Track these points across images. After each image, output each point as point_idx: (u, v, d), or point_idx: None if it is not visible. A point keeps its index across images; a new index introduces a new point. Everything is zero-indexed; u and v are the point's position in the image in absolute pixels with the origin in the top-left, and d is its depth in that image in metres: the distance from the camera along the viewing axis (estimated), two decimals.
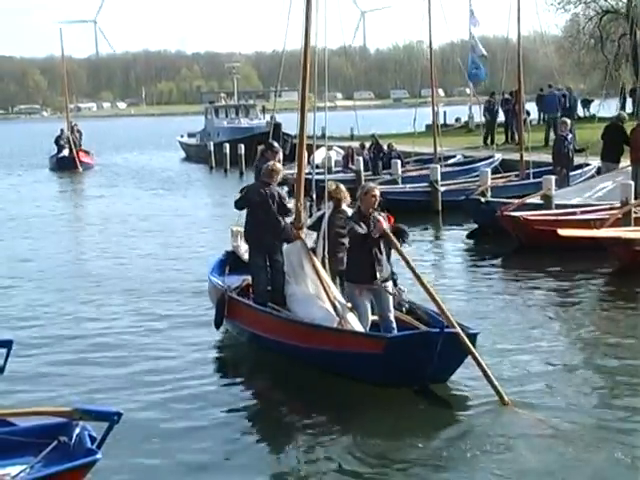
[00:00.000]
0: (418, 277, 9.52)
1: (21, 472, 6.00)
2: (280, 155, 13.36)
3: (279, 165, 11.60)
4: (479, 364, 8.93)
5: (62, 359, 10.81)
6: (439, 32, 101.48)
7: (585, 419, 8.42)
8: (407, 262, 9.62)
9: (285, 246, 11.10)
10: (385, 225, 9.67)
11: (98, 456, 5.97)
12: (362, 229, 9.65)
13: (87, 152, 45.09)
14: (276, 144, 13.54)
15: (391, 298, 9.96)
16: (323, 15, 11.26)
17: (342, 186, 11.29)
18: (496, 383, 8.85)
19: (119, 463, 7.48)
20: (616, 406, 8.74)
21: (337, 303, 10.11)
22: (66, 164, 42.41)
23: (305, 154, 12.16)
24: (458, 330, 8.95)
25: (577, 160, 22.20)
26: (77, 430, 6.20)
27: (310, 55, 11.20)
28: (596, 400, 8.95)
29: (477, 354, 8.99)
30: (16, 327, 12.16)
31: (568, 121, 22.29)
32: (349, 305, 10.18)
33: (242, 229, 12.54)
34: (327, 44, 11.69)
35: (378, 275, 9.77)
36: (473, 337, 9.15)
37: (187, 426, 8.57)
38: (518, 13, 22.38)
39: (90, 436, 6.15)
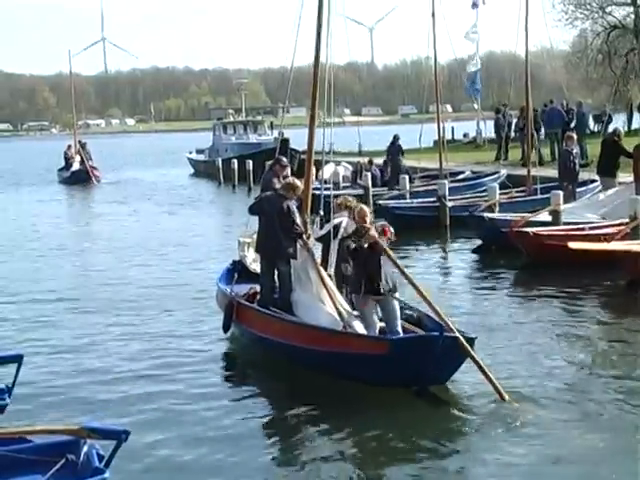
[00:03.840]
0: (413, 284, 9.93)
1: None
2: (288, 170, 13.49)
3: (298, 182, 11.78)
4: (478, 364, 9.38)
5: (70, 376, 10.80)
6: (446, 48, 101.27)
7: (586, 415, 8.86)
8: (400, 269, 10.05)
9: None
10: (374, 233, 9.88)
11: (106, 475, 5.95)
12: (352, 244, 10.02)
13: (94, 167, 46.14)
14: (284, 159, 13.65)
15: (397, 308, 10.19)
16: (330, 32, 11.46)
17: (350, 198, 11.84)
18: (495, 381, 9.27)
19: None
20: (616, 404, 9.08)
21: (342, 310, 10.43)
22: (78, 178, 44.07)
23: (313, 170, 12.30)
24: (457, 334, 9.35)
25: (585, 176, 22.15)
26: (85, 448, 6.18)
27: (320, 72, 11.40)
28: (601, 400, 9.20)
29: (475, 355, 9.41)
30: (26, 344, 12.12)
31: (574, 136, 22.26)
32: (355, 313, 10.52)
33: (249, 240, 12.96)
34: (334, 60, 11.83)
35: (381, 288, 10.00)
36: (471, 341, 9.52)
37: (195, 436, 8.66)
38: (526, 28, 22.38)
39: (98, 454, 6.12)
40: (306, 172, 11.96)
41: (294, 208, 11.44)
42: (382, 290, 10.01)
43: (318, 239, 11.54)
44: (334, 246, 11.21)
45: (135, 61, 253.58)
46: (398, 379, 9.39)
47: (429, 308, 9.85)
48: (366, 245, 9.92)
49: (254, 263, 12.82)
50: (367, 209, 10.40)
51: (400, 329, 10.13)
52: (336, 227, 11.24)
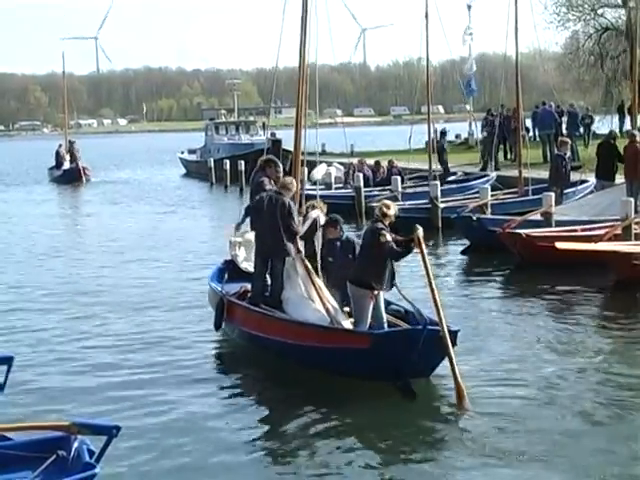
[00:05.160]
0: (429, 276, 9.92)
1: None
2: (280, 172, 13.47)
3: (293, 180, 11.99)
4: (452, 364, 9.38)
5: (61, 374, 10.82)
6: (439, 49, 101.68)
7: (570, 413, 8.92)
8: (426, 264, 10.02)
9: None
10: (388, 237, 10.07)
11: (96, 470, 5.95)
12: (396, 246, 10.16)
13: (85, 166, 46.43)
14: (280, 164, 13.65)
15: (383, 302, 10.47)
16: (322, 31, 11.58)
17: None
18: (462, 386, 9.22)
19: (118, 477, 7.49)
20: (603, 405, 9.12)
21: (330, 306, 10.67)
22: (70, 177, 44.69)
23: (305, 170, 12.39)
24: (441, 327, 9.42)
25: (576, 176, 22.19)
26: (75, 444, 6.18)
27: (306, 71, 11.64)
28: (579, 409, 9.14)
29: (453, 354, 9.43)
30: (16, 343, 12.15)
31: (568, 141, 22.31)
32: (345, 309, 10.81)
33: (240, 239, 13.08)
34: (327, 61, 11.95)
35: (383, 285, 10.23)
36: (454, 334, 9.64)
37: (186, 432, 8.72)
38: (516, 30, 22.42)
39: (89, 450, 6.12)
40: (294, 173, 12.17)
41: (294, 207, 11.64)
42: (383, 286, 10.26)
43: (301, 237, 11.75)
44: (318, 241, 11.53)
45: (124, 61, 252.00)
46: (381, 373, 9.57)
47: (432, 300, 9.72)
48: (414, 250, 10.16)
49: (245, 262, 12.97)
50: (392, 210, 10.51)
51: (386, 321, 10.45)
52: (315, 221, 11.62)
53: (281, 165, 13.57)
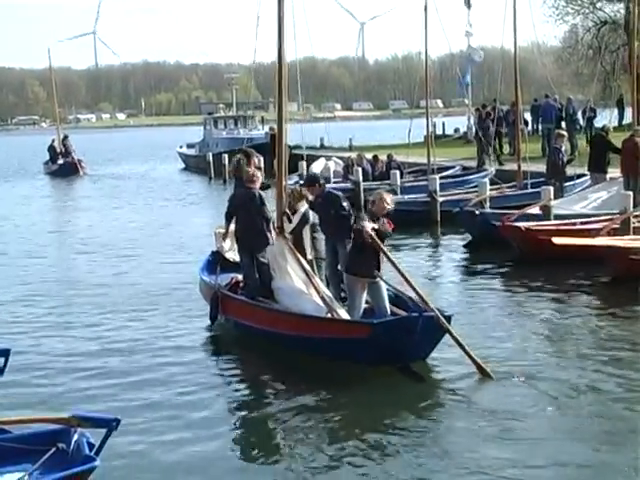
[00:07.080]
0: (397, 268, 10.56)
1: (19, 479, 6.01)
2: (256, 161, 13.82)
3: (258, 172, 12.45)
4: (456, 340, 9.99)
5: (59, 368, 10.81)
6: (438, 43, 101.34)
7: (564, 396, 9.21)
8: (388, 257, 10.59)
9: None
10: (369, 229, 10.40)
11: (96, 463, 5.98)
12: (361, 226, 10.50)
13: (80, 160, 46.90)
14: (249, 150, 13.92)
15: (385, 290, 10.74)
16: (319, 25, 11.63)
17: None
18: (474, 356, 9.82)
19: (118, 469, 7.50)
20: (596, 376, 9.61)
21: (325, 295, 10.93)
22: (65, 170, 45.13)
23: (305, 164, 12.50)
24: (435, 313, 9.91)
25: (572, 171, 22.18)
26: (75, 437, 6.21)
27: (284, 67, 12.14)
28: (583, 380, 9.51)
29: (454, 331, 10.03)
30: (14, 336, 12.15)
31: (565, 134, 22.34)
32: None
33: (223, 230, 13.18)
34: (325, 55, 12.00)
35: (379, 270, 10.59)
36: (448, 319, 10.13)
37: (185, 425, 8.74)
38: (514, 24, 22.38)
39: (88, 443, 6.15)
40: (278, 166, 12.26)
41: (263, 195, 12.03)
42: (375, 273, 10.54)
43: (291, 232, 11.93)
44: (307, 233, 11.87)
45: (123, 56, 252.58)
46: (381, 359, 9.94)
47: (411, 289, 10.43)
48: (363, 238, 10.39)
49: (230, 252, 13.24)
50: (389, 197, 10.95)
51: (389, 310, 10.69)
52: (305, 215, 11.92)
53: (253, 154, 13.80)
